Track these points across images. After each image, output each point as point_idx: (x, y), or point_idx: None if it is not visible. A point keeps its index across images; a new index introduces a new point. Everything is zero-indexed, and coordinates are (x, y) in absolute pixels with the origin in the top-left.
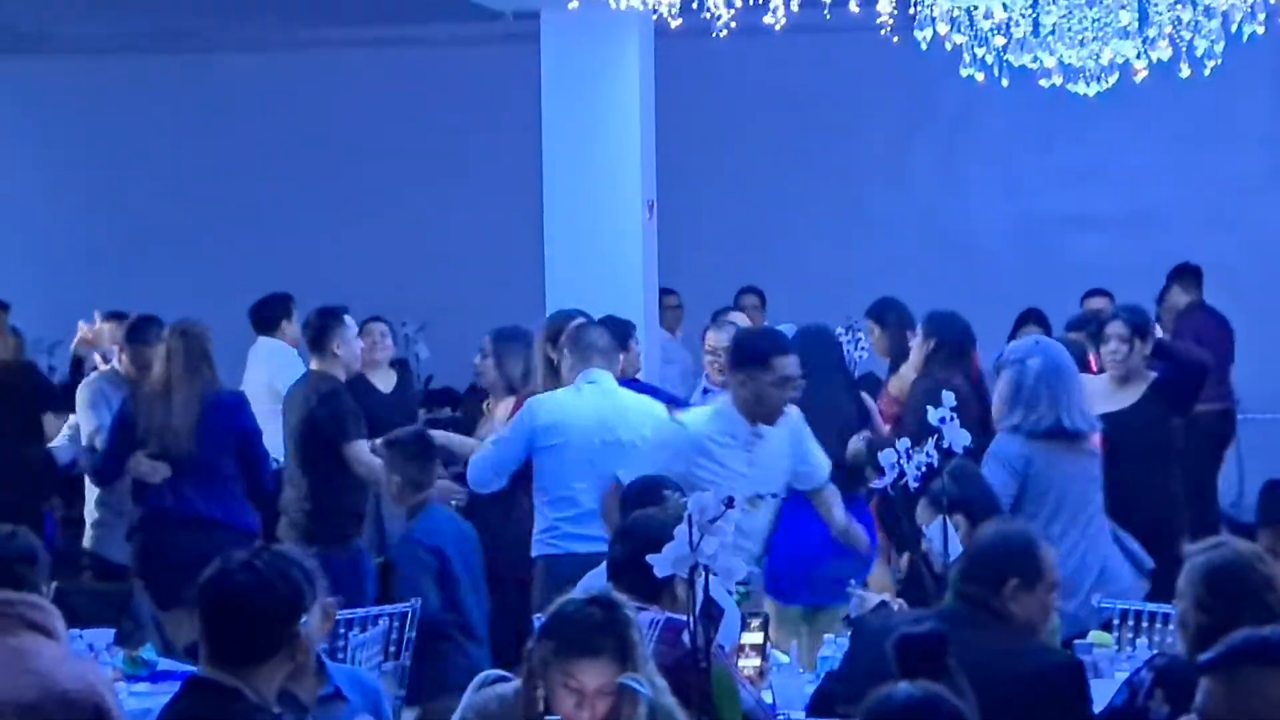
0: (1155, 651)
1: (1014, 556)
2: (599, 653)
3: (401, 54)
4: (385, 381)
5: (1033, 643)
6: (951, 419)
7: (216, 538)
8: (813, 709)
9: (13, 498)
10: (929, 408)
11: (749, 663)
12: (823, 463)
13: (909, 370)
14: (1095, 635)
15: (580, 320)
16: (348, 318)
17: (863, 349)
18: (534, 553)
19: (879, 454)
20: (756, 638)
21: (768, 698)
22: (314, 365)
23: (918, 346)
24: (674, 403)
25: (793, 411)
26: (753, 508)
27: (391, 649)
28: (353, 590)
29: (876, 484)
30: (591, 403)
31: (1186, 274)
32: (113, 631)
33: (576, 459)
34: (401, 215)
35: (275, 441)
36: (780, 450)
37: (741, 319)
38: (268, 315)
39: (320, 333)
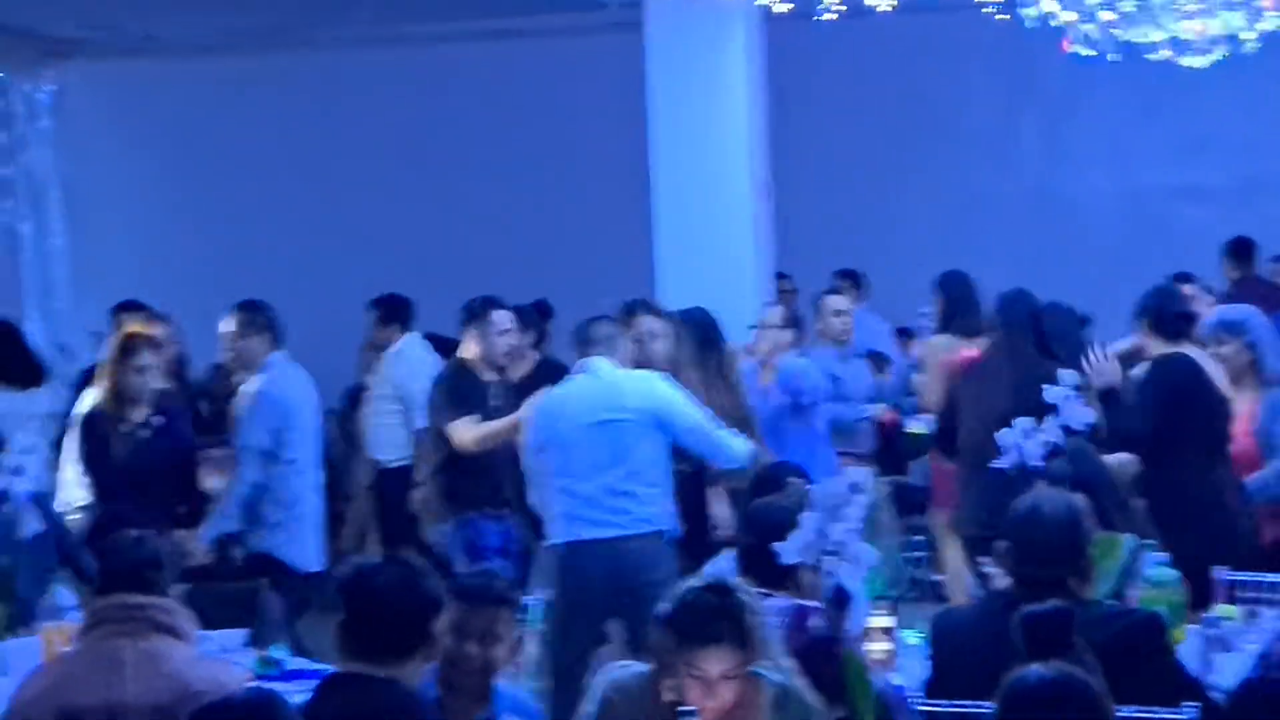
0: None
1: (1080, 527)
2: (718, 639)
3: (506, 46)
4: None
5: (1104, 606)
6: (1072, 397)
7: None
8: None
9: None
10: (1044, 386)
11: (877, 646)
12: None
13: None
14: (1221, 608)
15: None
16: (496, 313)
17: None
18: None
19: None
20: (885, 621)
21: (897, 680)
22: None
23: None
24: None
25: None
26: None
27: None
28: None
29: (995, 464)
30: (578, 390)
31: (1237, 249)
32: (244, 632)
33: (568, 449)
34: (509, 206)
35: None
36: None
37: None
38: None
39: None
